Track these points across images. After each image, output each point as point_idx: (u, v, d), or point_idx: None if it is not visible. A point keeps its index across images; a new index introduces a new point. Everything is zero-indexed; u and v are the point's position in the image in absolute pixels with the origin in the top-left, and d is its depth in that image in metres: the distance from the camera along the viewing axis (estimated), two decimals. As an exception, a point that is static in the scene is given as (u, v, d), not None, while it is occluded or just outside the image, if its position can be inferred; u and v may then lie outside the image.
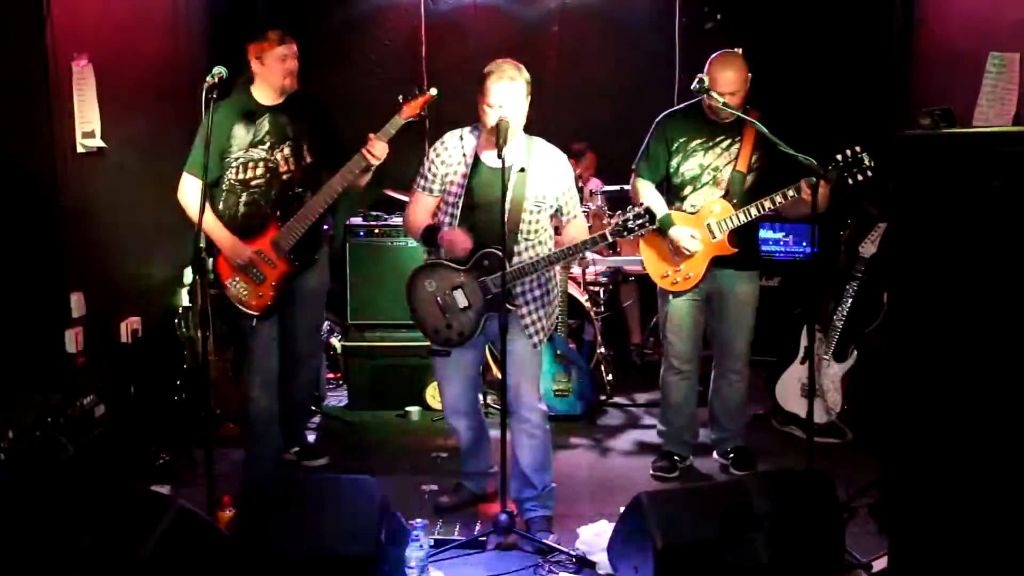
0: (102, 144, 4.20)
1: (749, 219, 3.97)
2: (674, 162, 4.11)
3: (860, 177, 3.63)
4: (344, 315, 5.25)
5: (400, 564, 3.14)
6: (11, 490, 3.02)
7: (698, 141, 4.07)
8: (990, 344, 2.55)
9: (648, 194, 4.12)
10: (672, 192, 4.16)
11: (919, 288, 2.75)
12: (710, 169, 4.06)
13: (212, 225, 3.86)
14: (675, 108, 4.14)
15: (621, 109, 6.30)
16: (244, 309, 3.93)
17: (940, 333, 2.67)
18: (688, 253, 4.02)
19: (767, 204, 3.90)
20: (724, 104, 3.86)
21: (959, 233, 2.60)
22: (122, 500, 2.88)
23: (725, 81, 3.89)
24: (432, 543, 3.45)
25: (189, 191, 3.87)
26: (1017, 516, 2.51)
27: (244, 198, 3.93)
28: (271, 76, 3.88)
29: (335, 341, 5.46)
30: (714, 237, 4.02)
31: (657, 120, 4.19)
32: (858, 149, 3.62)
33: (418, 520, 3.25)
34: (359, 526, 2.97)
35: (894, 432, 2.90)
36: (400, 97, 3.83)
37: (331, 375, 5.67)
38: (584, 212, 4.30)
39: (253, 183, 3.92)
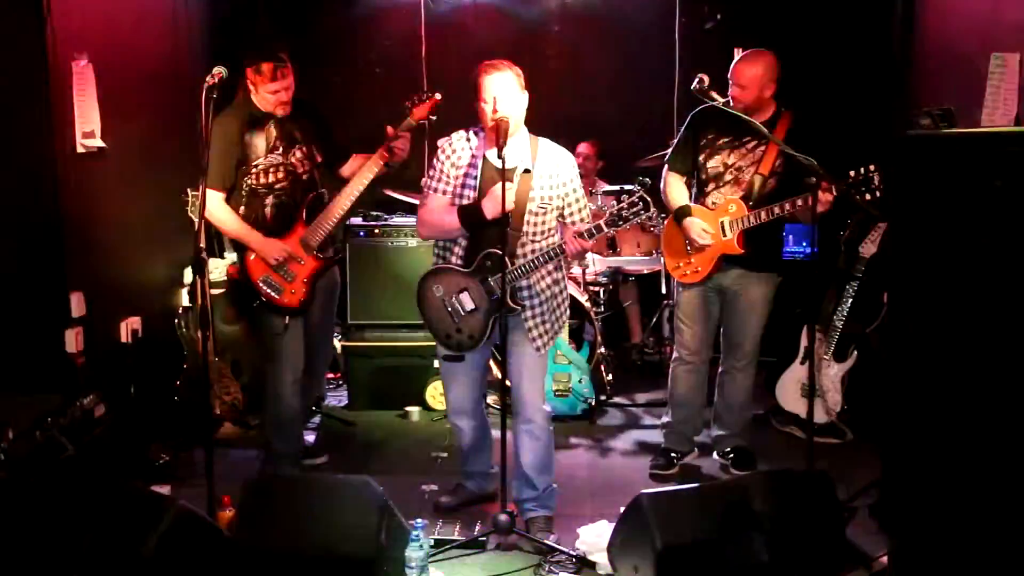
0: (102, 144, 4.20)
1: (759, 222, 3.98)
2: (701, 158, 4.14)
3: (868, 197, 3.63)
4: (344, 315, 5.25)
5: (400, 564, 3.14)
6: (11, 490, 3.02)
7: (725, 139, 4.09)
8: (990, 344, 2.55)
9: (674, 187, 4.20)
10: (699, 187, 4.21)
11: (919, 288, 2.75)
12: (733, 168, 4.08)
13: (241, 229, 3.93)
14: (709, 104, 4.07)
15: (621, 109, 6.31)
16: (278, 307, 3.97)
17: (940, 333, 2.68)
18: (697, 245, 4.06)
19: (776, 210, 3.92)
20: (725, 105, 3.90)
21: (959, 233, 2.60)
22: (122, 500, 2.88)
23: (737, 72, 3.96)
24: (432, 543, 3.45)
25: (213, 205, 3.87)
26: (1017, 516, 2.51)
27: (270, 200, 3.99)
28: (263, 104, 3.92)
29: (335, 341, 5.46)
30: (724, 235, 4.05)
31: (691, 114, 4.22)
32: (871, 168, 3.62)
33: (418, 520, 3.25)
34: (359, 526, 2.97)
35: (893, 432, 2.91)
36: (408, 102, 3.90)
37: (331, 375, 5.67)
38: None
39: (277, 186, 3.98)
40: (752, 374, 4.31)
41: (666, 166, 4.28)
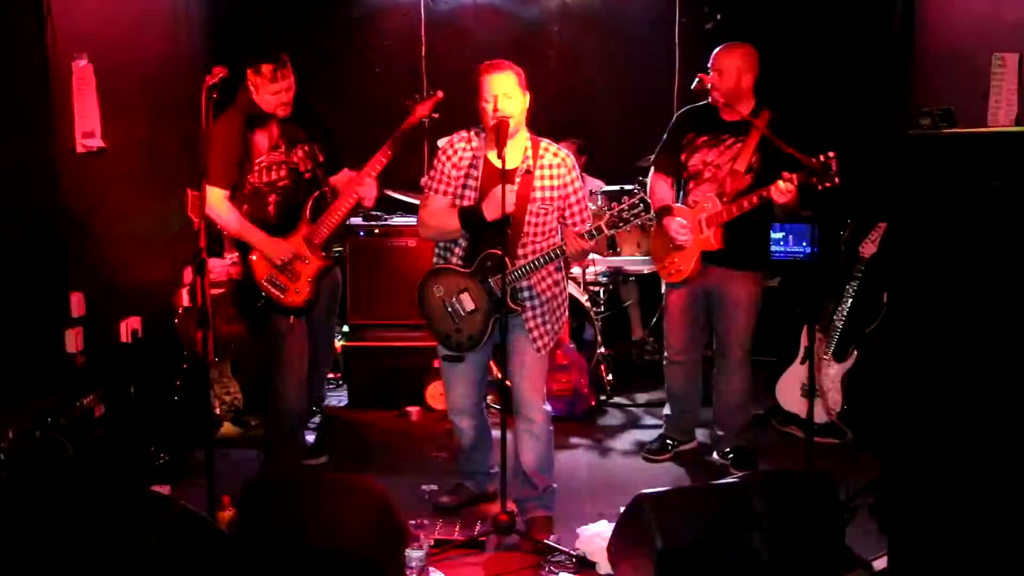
0: (102, 144, 4.19)
1: (731, 217, 4.03)
2: (683, 157, 4.21)
3: (828, 184, 3.67)
4: (344, 315, 5.25)
5: (400, 564, 3.14)
6: (11, 490, 3.02)
7: (705, 138, 4.16)
8: (990, 344, 2.55)
9: (658, 188, 4.27)
10: (683, 186, 4.27)
11: (919, 288, 2.75)
12: (712, 166, 4.13)
13: (245, 229, 3.94)
14: (692, 105, 4.22)
15: (621, 109, 6.31)
16: (283, 307, 3.97)
17: (940, 333, 2.68)
18: (677, 244, 4.12)
19: (744, 204, 3.98)
20: (714, 101, 3.93)
21: (959, 233, 2.60)
22: (122, 500, 2.88)
23: (716, 59, 4.07)
24: (432, 543, 3.45)
25: (217, 203, 3.88)
26: (1017, 516, 2.51)
27: (273, 199, 4.00)
28: (264, 105, 3.92)
29: (335, 341, 5.46)
30: (702, 232, 4.10)
31: (675, 115, 4.31)
32: (830, 155, 3.67)
33: (418, 520, 3.25)
34: (359, 526, 2.97)
35: (893, 432, 2.90)
36: (409, 101, 3.96)
37: (331, 375, 5.67)
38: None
39: (280, 184, 4.00)
40: (746, 374, 4.33)
41: (652, 167, 4.35)
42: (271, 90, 3.85)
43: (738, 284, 4.19)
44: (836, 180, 3.64)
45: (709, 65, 4.10)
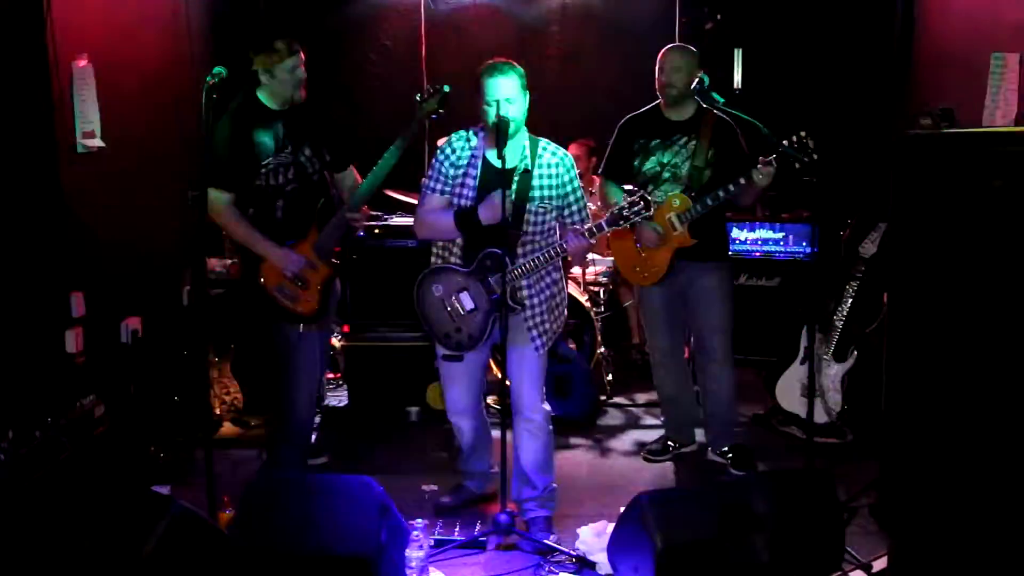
0: (102, 144, 4.19)
1: (706, 209, 4.07)
2: (635, 162, 4.26)
3: (807, 160, 3.74)
4: (344, 315, 5.25)
5: (400, 564, 3.14)
6: (11, 490, 3.02)
7: (656, 141, 4.22)
8: (990, 343, 2.55)
9: (612, 192, 4.31)
10: (640, 189, 4.27)
11: (919, 288, 2.75)
12: (669, 166, 4.19)
13: (255, 240, 3.81)
14: (636, 112, 4.33)
15: (621, 109, 6.29)
16: (295, 316, 3.88)
17: (939, 333, 2.68)
18: (651, 245, 4.16)
19: (720, 193, 4.02)
20: (722, 105, 3.98)
21: (960, 233, 2.60)
22: (122, 500, 2.88)
23: (668, 57, 4.18)
24: (432, 543, 3.45)
25: (222, 209, 3.76)
26: (1017, 516, 2.51)
27: (281, 203, 3.87)
28: (281, 88, 3.79)
29: (335, 341, 5.46)
30: (675, 230, 4.14)
31: (619, 124, 4.36)
32: (803, 134, 3.75)
33: (418, 520, 3.25)
34: (359, 526, 2.97)
35: (893, 432, 2.91)
36: (417, 96, 3.89)
37: (331, 375, 5.67)
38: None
39: (288, 187, 3.86)
40: (729, 369, 4.35)
41: (602, 175, 4.40)
42: (288, 66, 3.71)
43: (709, 277, 4.24)
44: (815, 156, 3.68)
45: (658, 65, 4.18)
